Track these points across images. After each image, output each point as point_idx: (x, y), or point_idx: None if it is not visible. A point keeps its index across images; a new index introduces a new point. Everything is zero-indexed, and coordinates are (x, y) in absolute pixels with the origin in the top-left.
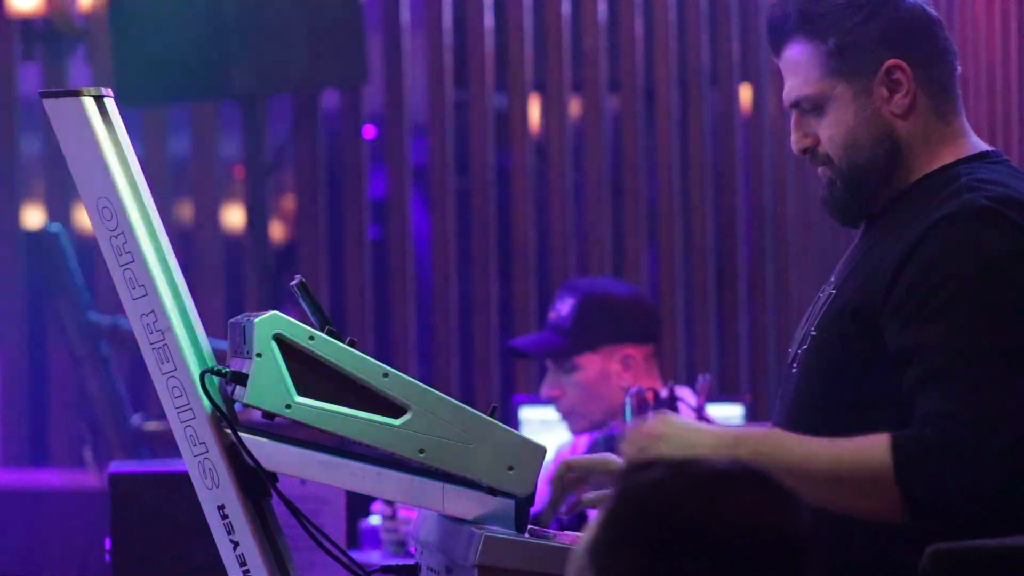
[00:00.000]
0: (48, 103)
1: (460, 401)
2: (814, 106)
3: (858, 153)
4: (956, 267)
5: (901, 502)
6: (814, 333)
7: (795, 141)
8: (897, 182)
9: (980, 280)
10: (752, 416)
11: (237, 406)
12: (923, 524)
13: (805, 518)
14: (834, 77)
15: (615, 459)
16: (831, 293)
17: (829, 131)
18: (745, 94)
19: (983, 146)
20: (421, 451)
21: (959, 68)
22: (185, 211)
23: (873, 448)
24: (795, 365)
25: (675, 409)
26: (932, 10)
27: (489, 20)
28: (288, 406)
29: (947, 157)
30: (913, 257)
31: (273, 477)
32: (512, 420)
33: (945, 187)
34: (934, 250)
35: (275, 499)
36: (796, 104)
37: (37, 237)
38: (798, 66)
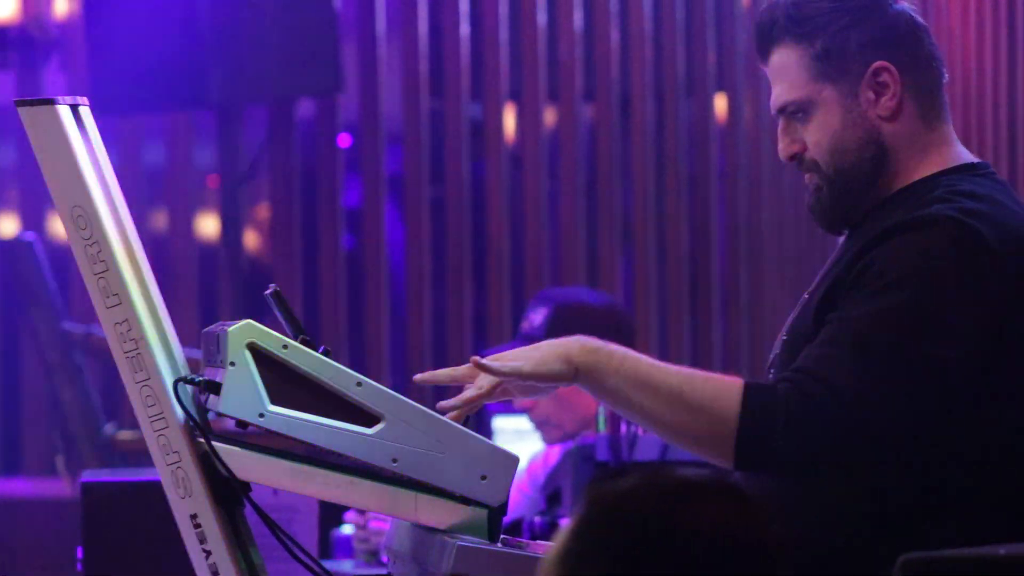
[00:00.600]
0: (23, 111)
1: (433, 410)
2: (801, 111)
3: (844, 157)
4: (903, 266)
5: (733, 440)
6: (785, 337)
7: (782, 148)
8: (881, 188)
9: (919, 283)
10: None
11: (210, 415)
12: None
13: (775, 529)
14: (820, 81)
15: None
16: (805, 299)
17: (815, 136)
18: (720, 104)
19: (969, 157)
20: (394, 460)
21: (946, 76)
22: (160, 220)
23: (728, 381)
24: (771, 370)
25: None
26: (919, 17)
27: (465, 29)
28: (261, 415)
29: (931, 167)
30: (870, 252)
31: (246, 486)
32: (485, 429)
33: (923, 197)
34: (890, 249)
35: (248, 508)
36: (783, 109)
37: (11, 246)
38: (785, 71)
